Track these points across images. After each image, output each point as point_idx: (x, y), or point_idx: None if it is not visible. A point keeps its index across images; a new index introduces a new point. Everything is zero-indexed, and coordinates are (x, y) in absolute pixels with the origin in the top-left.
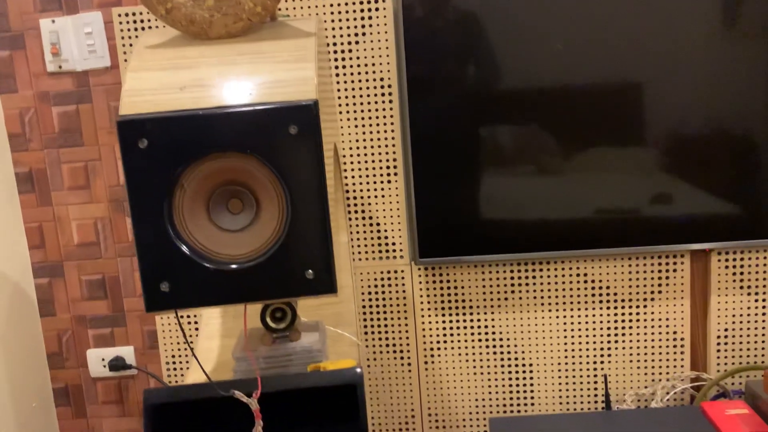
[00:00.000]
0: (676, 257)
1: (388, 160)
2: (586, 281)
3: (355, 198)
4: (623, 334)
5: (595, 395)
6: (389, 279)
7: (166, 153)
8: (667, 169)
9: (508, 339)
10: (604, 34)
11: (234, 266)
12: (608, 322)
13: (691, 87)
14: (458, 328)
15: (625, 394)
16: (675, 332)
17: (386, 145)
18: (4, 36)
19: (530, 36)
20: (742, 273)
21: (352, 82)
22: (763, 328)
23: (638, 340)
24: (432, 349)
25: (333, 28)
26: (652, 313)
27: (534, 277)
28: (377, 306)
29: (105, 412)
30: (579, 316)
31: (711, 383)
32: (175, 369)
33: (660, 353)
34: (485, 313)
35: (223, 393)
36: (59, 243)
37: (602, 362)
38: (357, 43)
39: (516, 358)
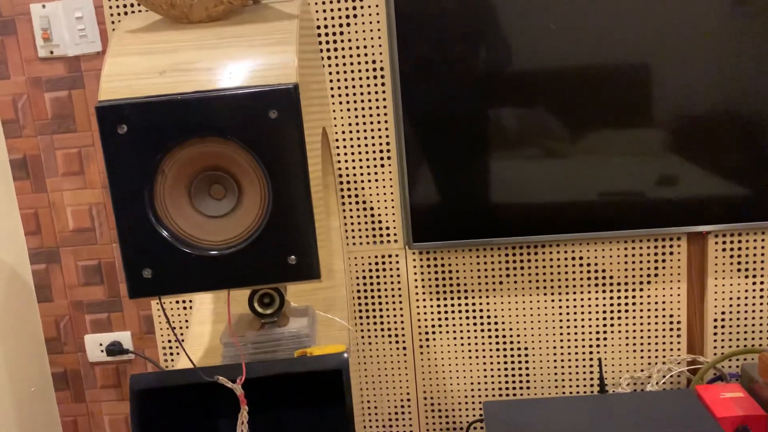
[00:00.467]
0: (672, 240)
1: (381, 144)
2: (581, 264)
3: (348, 182)
4: (619, 318)
5: (591, 379)
6: (383, 263)
7: (146, 139)
8: (665, 151)
9: (503, 323)
10: (607, 12)
11: (215, 252)
12: (604, 305)
13: (699, 68)
14: (453, 312)
15: (621, 377)
16: (672, 315)
17: (379, 129)
18: None
19: (527, 14)
20: (739, 255)
21: (344, 65)
22: (761, 310)
23: (634, 324)
24: (427, 333)
25: (324, 11)
26: (649, 296)
27: (529, 261)
28: (372, 291)
29: (104, 396)
30: (575, 300)
31: (707, 366)
32: (171, 353)
33: (656, 336)
34: (480, 297)
35: (207, 379)
36: (55, 229)
37: (598, 346)
38: (348, 25)
39: (511, 342)
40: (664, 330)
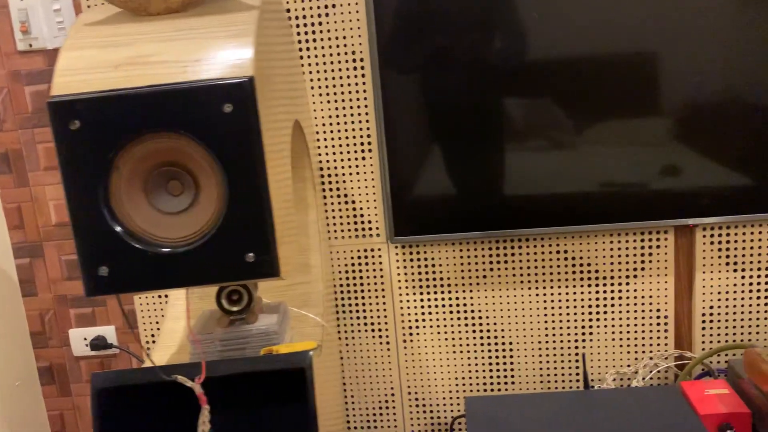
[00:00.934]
0: (659, 233)
1: (362, 136)
2: (566, 258)
3: (329, 176)
4: (605, 312)
5: (577, 374)
6: (366, 257)
7: (99, 134)
8: (651, 143)
9: (487, 317)
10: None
11: (173, 250)
12: (590, 299)
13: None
14: (437, 306)
15: (607, 373)
16: (659, 310)
17: (360, 121)
18: None
19: (508, 1)
20: (728, 249)
21: (323, 56)
22: (749, 305)
23: (621, 318)
24: (410, 327)
25: (302, 0)
26: (635, 290)
27: (513, 255)
28: (354, 285)
29: (89, 390)
30: (559, 294)
31: (694, 362)
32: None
33: (643, 331)
34: (464, 291)
35: (165, 377)
36: (38, 223)
37: (584, 341)
38: (327, 15)
39: (496, 337)
40: (651, 325)
